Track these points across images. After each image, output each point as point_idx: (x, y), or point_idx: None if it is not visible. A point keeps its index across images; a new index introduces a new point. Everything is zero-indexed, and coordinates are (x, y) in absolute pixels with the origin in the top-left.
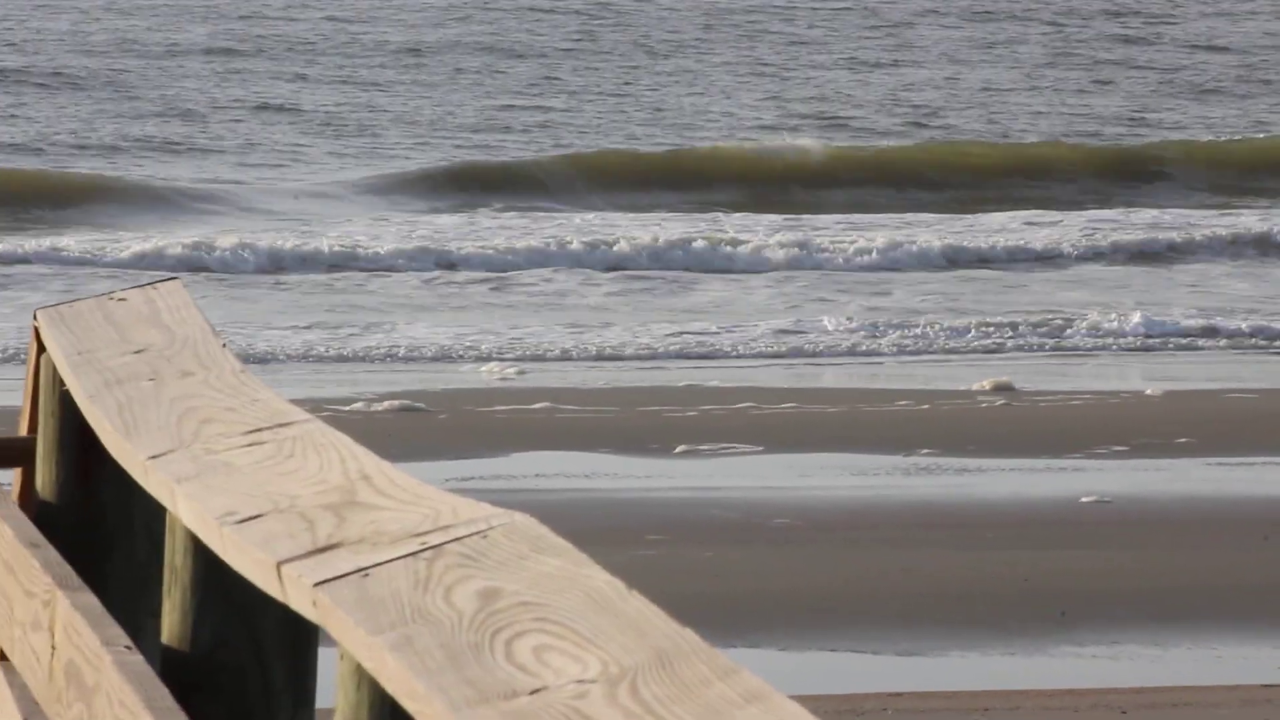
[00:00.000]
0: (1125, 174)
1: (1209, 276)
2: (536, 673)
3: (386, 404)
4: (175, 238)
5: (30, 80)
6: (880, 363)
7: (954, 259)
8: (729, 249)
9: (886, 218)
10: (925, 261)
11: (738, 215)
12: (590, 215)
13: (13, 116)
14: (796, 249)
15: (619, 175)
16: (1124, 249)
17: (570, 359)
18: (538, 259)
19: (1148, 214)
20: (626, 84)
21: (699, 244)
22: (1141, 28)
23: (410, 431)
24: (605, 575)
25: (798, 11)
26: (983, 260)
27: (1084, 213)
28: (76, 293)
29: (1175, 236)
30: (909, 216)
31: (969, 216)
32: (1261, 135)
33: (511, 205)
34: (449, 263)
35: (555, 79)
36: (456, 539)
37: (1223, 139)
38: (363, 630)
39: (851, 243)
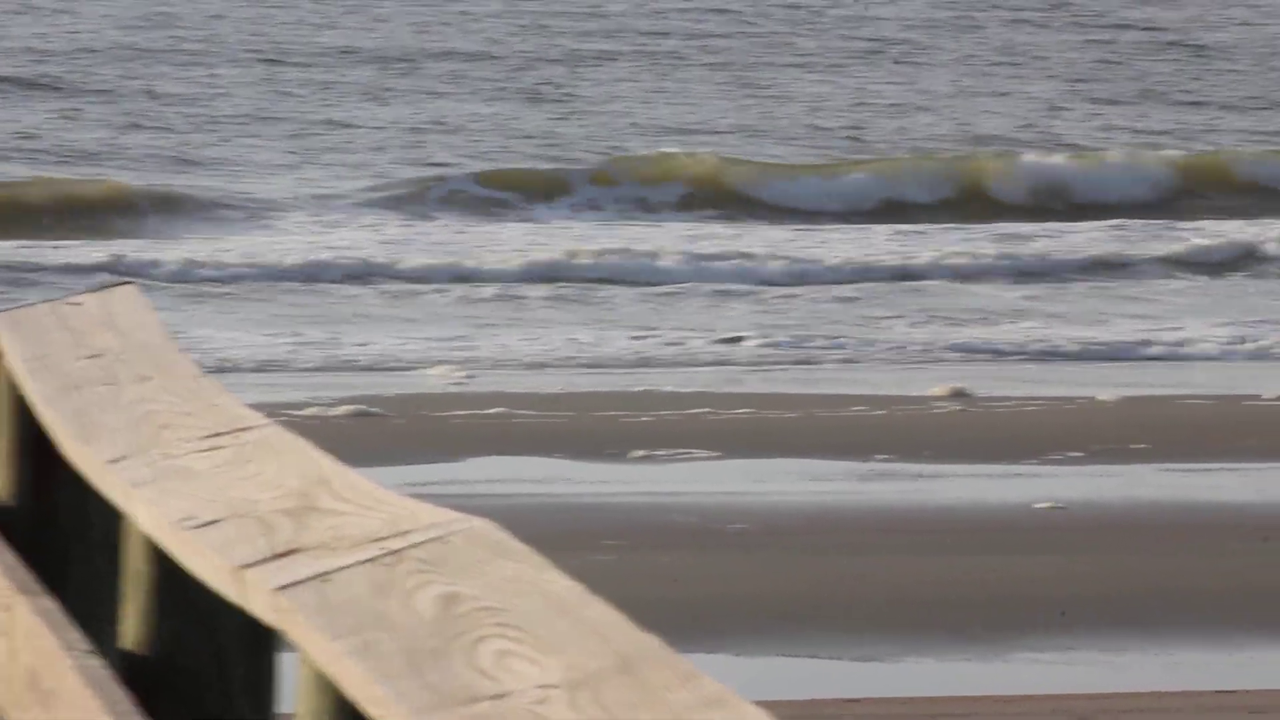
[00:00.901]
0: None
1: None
2: (498, 678)
3: (342, 409)
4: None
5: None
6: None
7: None
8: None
9: None
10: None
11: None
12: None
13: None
14: None
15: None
16: None
17: (523, 364)
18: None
19: None
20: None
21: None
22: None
23: (366, 436)
24: (566, 580)
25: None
26: None
27: None
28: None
29: None
30: None
31: None
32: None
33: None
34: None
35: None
36: (416, 544)
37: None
38: (323, 635)
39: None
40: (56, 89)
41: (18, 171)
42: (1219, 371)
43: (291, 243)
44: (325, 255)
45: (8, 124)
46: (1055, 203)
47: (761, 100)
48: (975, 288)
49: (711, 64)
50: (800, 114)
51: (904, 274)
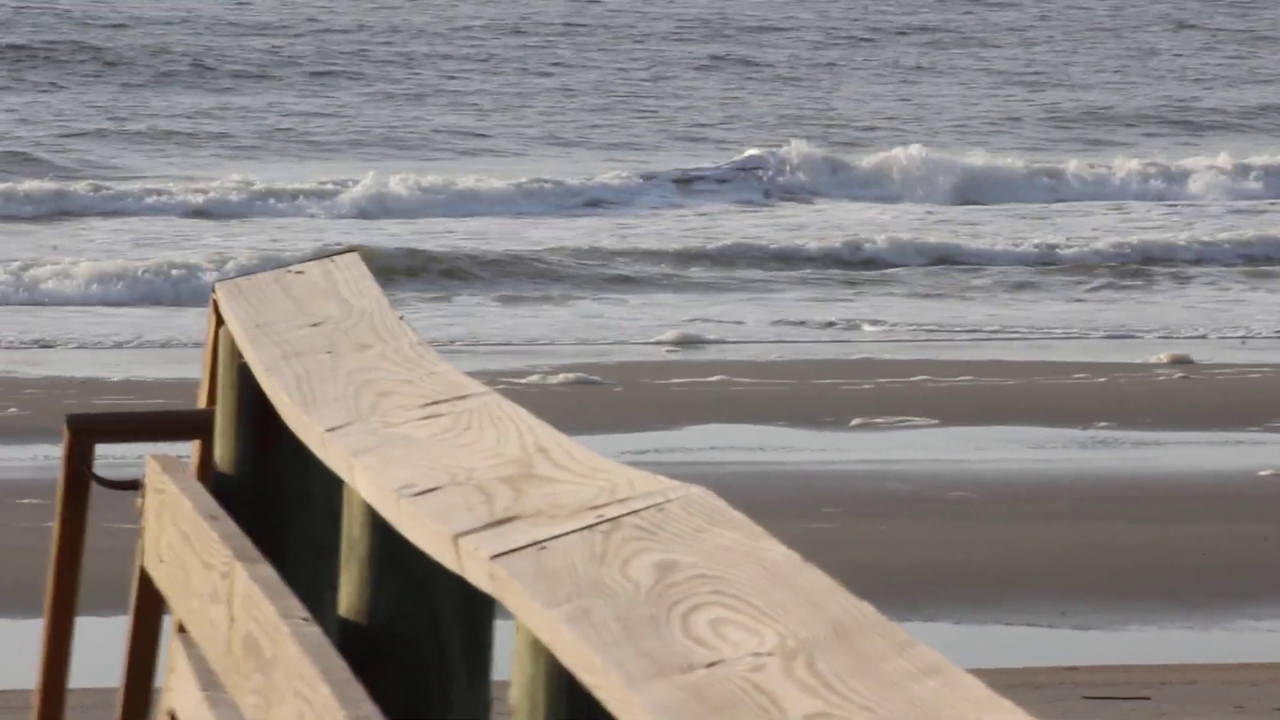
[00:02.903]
0: None
1: None
2: (713, 646)
3: (561, 376)
4: None
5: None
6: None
7: None
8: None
9: None
10: None
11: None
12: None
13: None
14: None
15: None
16: None
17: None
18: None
19: None
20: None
21: None
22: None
23: (585, 404)
24: (782, 548)
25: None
26: None
27: None
28: None
29: None
30: None
31: None
32: None
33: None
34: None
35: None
36: (633, 512)
37: None
38: (539, 603)
39: None
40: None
41: None
42: None
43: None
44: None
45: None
46: None
47: None
48: None
49: None
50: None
51: None
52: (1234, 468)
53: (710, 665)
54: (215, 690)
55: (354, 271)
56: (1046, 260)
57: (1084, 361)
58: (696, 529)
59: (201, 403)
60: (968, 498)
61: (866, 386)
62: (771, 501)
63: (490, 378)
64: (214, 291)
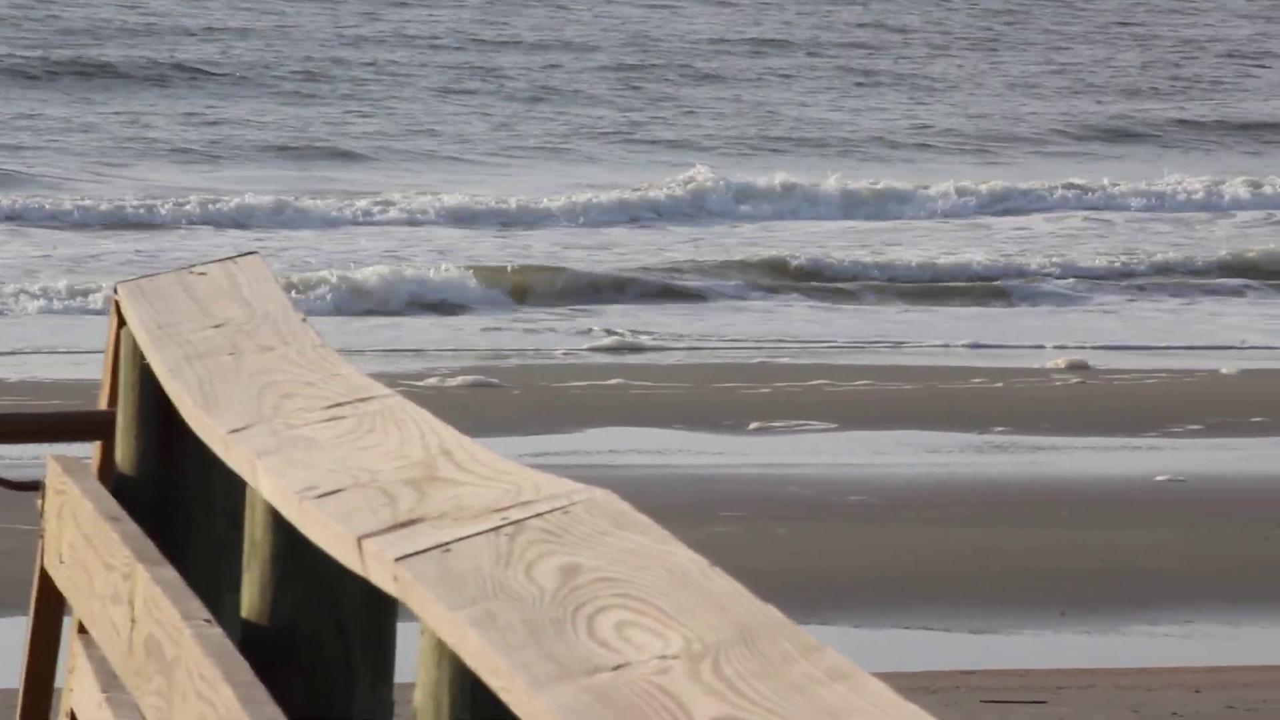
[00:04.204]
0: None
1: None
2: (619, 649)
3: (460, 379)
4: None
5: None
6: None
7: None
8: None
9: None
10: None
11: None
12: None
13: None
14: None
15: None
16: None
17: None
18: None
19: None
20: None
21: None
22: None
23: (484, 407)
24: (688, 552)
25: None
26: None
27: None
28: None
29: None
30: None
31: None
32: None
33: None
34: None
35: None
36: (538, 514)
37: None
38: (444, 606)
39: None
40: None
41: None
42: None
43: None
44: None
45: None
46: None
47: None
48: None
49: None
50: None
51: None
52: (1130, 473)
53: (615, 668)
54: (117, 691)
55: (256, 273)
56: (939, 277)
57: (981, 366)
58: (601, 532)
59: (103, 404)
60: (867, 502)
61: (765, 390)
62: (671, 505)
63: (389, 380)
64: (115, 292)
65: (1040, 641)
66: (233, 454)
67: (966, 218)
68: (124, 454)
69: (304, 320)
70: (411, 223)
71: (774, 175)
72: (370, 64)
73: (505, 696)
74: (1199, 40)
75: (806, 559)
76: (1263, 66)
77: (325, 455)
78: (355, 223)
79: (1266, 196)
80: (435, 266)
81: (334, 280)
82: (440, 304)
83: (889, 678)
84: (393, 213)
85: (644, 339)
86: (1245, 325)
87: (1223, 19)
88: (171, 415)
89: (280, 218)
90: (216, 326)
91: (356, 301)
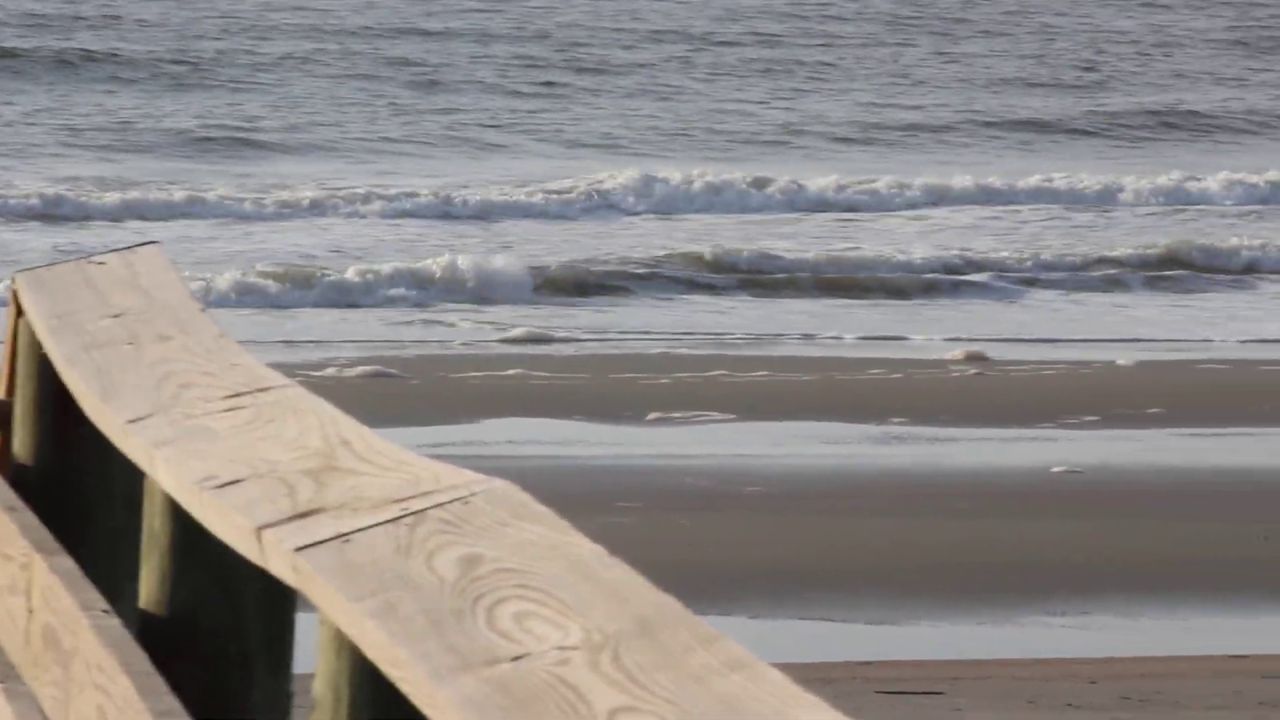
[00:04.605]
0: None
1: None
2: (519, 639)
3: (359, 369)
4: None
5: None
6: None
7: None
8: None
9: None
10: None
11: None
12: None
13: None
14: None
15: None
16: None
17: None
18: None
19: None
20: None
21: None
22: None
23: (383, 397)
24: (588, 543)
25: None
26: None
27: None
28: None
29: None
30: None
31: None
32: None
33: None
34: None
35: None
36: (438, 505)
37: None
38: (343, 597)
39: None
40: None
41: None
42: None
43: None
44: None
45: None
46: None
47: None
48: None
49: None
50: None
51: None
52: (1028, 464)
53: (515, 659)
54: (13, 682)
55: (155, 263)
56: (844, 270)
57: (880, 358)
58: (501, 523)
59: (0, 394)
60: (765, 493)
61: (664, 381)
62: (568, 495)
63: (286, 370)
64: (14, 281)
65: (938, 633)
66: (131, 444)
67: (872, 211)
68: (21, 443)
69: (203, 310)
70: (317, 213)
71: (683, 168)
72: (274, 54)
73: (405, 688)
74: (1104, 31)
75: (704, 550)
76: (1167, 57)
77: (224, 445)
78: (260, 217)
79: (1164, 189)
80: (341, 259)
81: (236, 273)
82: (343, 297)
83: (786, 668)
84: (299, 204)
85: (552, 331)
86: (1142, 318)
87: (1111, 17)
88: (70, 405)
89: (185, 208)
90: (115, 316)
91: (258, 293)
